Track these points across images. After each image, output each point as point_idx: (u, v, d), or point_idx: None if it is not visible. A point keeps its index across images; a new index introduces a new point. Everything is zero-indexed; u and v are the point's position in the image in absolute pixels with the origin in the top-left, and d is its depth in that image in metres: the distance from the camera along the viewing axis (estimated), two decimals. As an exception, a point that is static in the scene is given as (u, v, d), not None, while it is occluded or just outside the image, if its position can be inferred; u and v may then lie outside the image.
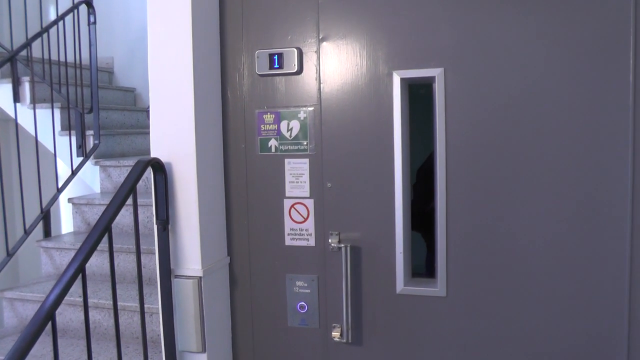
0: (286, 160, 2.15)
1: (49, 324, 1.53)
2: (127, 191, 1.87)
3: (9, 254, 2.98)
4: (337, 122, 2.08)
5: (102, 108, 3.94)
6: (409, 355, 2.08)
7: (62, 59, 3.54)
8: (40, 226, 3.24)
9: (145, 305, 2.58)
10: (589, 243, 1.87)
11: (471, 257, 1.98)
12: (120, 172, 3.54)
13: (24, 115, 3.58)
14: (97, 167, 3.59)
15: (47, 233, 3.33)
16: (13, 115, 3.43)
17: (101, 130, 3.69)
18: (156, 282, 2.85)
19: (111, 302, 2.65)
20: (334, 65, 2.07)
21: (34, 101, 3.27)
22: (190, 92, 2.01)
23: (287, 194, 2.16)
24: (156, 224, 2.04)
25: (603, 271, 1.86)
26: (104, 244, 2.90)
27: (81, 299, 2.73)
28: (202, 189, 2.05)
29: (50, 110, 3.48)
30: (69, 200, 3.40)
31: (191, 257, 2.05)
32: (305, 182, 2.13)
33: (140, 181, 3.12)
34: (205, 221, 2.07)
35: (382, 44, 2.02)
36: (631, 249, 1.83)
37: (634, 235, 1.83)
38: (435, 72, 1.95)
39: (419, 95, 2.40)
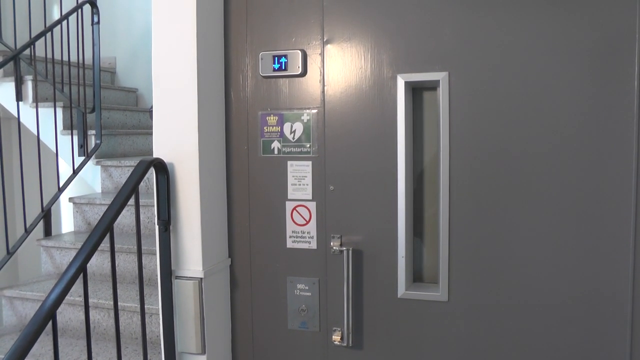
0: (289, 163, 2.15)
1: (49, 323, 1.52)
2: (129, 191, 1.87)
3: (9, 253, 2.97)
4: (341, 125, 2.08)
5: (104, 108, 3.94)
6: (410, 360, 2.07)
7: (65, 58, 3.55)
8: (40, 225, 3.24)
9: (145, 306, 2.57)
10: (591, 248, 1.86)
11: (473, 262, 1.98)
12: (122, 172, 3.54)
13: (27, 114, 3.58)
14: (99, 167, 3.58)
15: (47, 232, 3.32)
16: (15, 114, 3.43)
17: (103, 130, 3.69)
18: (156, 282, 2.85)
19: (111, 302, 2.65)
20: (338, 67, 2.07)
21: (37, 100, 3.27)
22: (194, 92, 2.01)
23: (290, 196, 2.15)
24: (157, 224, 2.04)
25: (606, 278, 1.86)
26: (103, 244, 2.90)
27: (81, 299, 2.73)
28: (204, 190, 2.05)
29: (52, 110, 3.48)
30: (70, 199, 3.39)
31: (192, 258, 2.05)
32: (307, 184, 2.13)
33: (141, 181, 3.12)
34: (207, 222, 2.07)
35: (386, 47, 2.01)
36: (634, 257, 1.83)
37: (637, 242, 1.82)
38: (440, 76, 1.95)
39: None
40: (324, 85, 2.09)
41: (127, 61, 4.93)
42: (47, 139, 3.55)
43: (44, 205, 3.23)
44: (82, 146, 3.55)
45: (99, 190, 3.63)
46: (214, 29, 2.12)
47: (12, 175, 4.76)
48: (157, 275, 2.07)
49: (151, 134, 4.05)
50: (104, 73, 4.78)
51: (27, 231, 3.07)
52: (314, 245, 2.14)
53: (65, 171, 3.53)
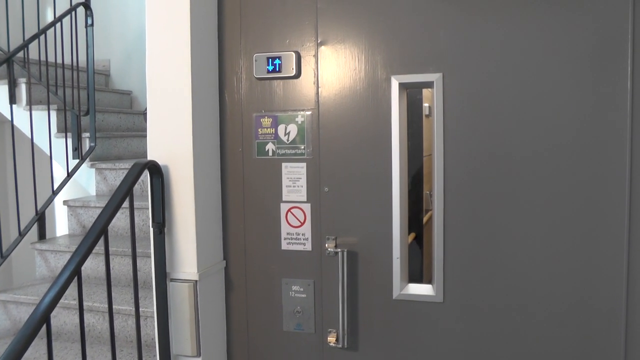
0: (283, 164, 2.15)
1: (44, 327, 1.52)
2: (124, 193, 1.86)
3: (3, 256, 2.95)
4: (335, 126, 2.08)
5: (98, 110, 3.93)
6: (405, 361, 2.07)
7: (59, 61, 3.53)
8: (35, 228, 3.22)
9: (140, 309, 2.56)
10: (586, 249, 1.87)
11: (468, 263, 1.98)
12: (116, 174, 3.53)
13: (20, 117, 3.56)
14: (93, 170, 3.57)
15: (41, 235, 3.31)
16: (9, 117, 3.41)
17: (97, 132, 3.67)
18: (150, 285, 2.83)
19: (105, 306, 2.64)
20: (332, 69, 2.07)
21: (30, 103, 3.25)
22: (188, 95, 2.00)
23: (284, 198, 2.15)
24: (152, 227, 2.03)
25: (600, 278, 1.87)
26: (97, 247, 2.89)
27: (75, 302, 2.72)
28: (199, 192, 2.05)
29: (46, 112, 3.46)
30: (64, 202, 3.38)
31: (187, 261, 2.04)
32: (302, 186, 2.13)
33: (136, 184, 3.11)
34: (202, 224, 2.07)
35: (380, 48, 2.02)
36: (628, 260, 1.83)
37: (631, 245, 1.83)
38: (434, 77, 1.96)
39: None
40: (318, 87, 2.09)
41: (121, 63, 4.91)
42: (41, 142, 3.54)
43: (38, 208, 3.21)
44: (77, 149, 3.54)
45: (93, 193, 3.61)
46: (208, 31, 2.12)
47: (5, 179, 4.74)
48: (152, 278, 2.06)
49: (145, 136, 4.03)
50: (98, 75, 4.76)
51: (21, 234, 3.05)
52: (308, 247, 2.14)
53: (59, 174, 3.51)
